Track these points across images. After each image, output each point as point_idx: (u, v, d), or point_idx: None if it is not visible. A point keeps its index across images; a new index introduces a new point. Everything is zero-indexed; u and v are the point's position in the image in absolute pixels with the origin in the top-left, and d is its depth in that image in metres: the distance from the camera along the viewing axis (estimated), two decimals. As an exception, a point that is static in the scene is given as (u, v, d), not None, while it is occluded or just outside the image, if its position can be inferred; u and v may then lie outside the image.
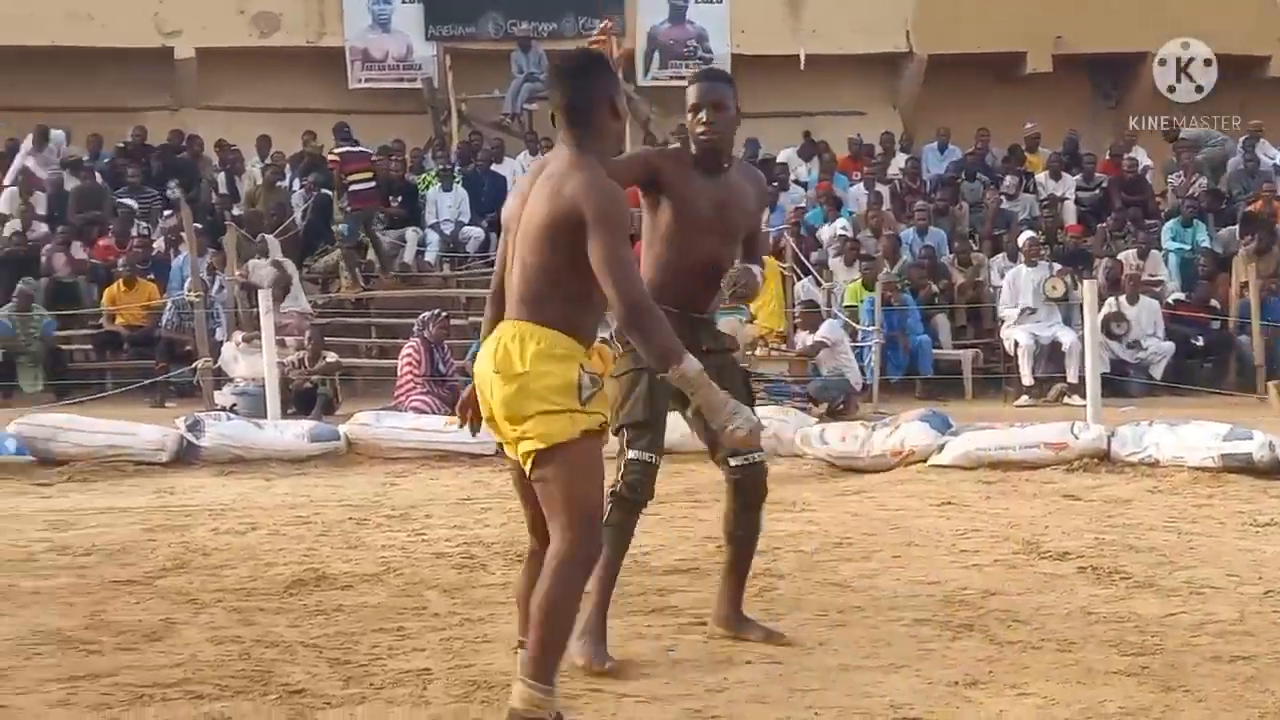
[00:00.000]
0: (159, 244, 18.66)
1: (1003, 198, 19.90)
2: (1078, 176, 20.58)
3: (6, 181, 20.25)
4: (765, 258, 14.49)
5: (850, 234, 18.25)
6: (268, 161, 20.75)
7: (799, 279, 17.04)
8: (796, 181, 20.89)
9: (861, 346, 15.64)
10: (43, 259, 18.14)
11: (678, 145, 5.87)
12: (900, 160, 21.34)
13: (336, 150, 19.22)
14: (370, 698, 5.11)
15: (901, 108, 24.10)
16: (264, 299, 13.33)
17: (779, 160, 21.07)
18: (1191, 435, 10.36)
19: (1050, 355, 16.15)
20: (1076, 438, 10.63)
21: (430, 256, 19.57)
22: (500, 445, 4.64)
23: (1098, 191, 20.44)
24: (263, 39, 22.82)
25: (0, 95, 22.40)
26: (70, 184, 19.82)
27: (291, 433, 11.82)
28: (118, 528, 8.74)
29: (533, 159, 18.32)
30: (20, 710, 5.01)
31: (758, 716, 4.91)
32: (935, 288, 17.30)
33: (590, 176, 4.42)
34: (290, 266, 17.34)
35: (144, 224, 19.16)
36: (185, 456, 11.45)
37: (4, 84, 22.24)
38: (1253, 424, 10.67)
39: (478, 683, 5.23)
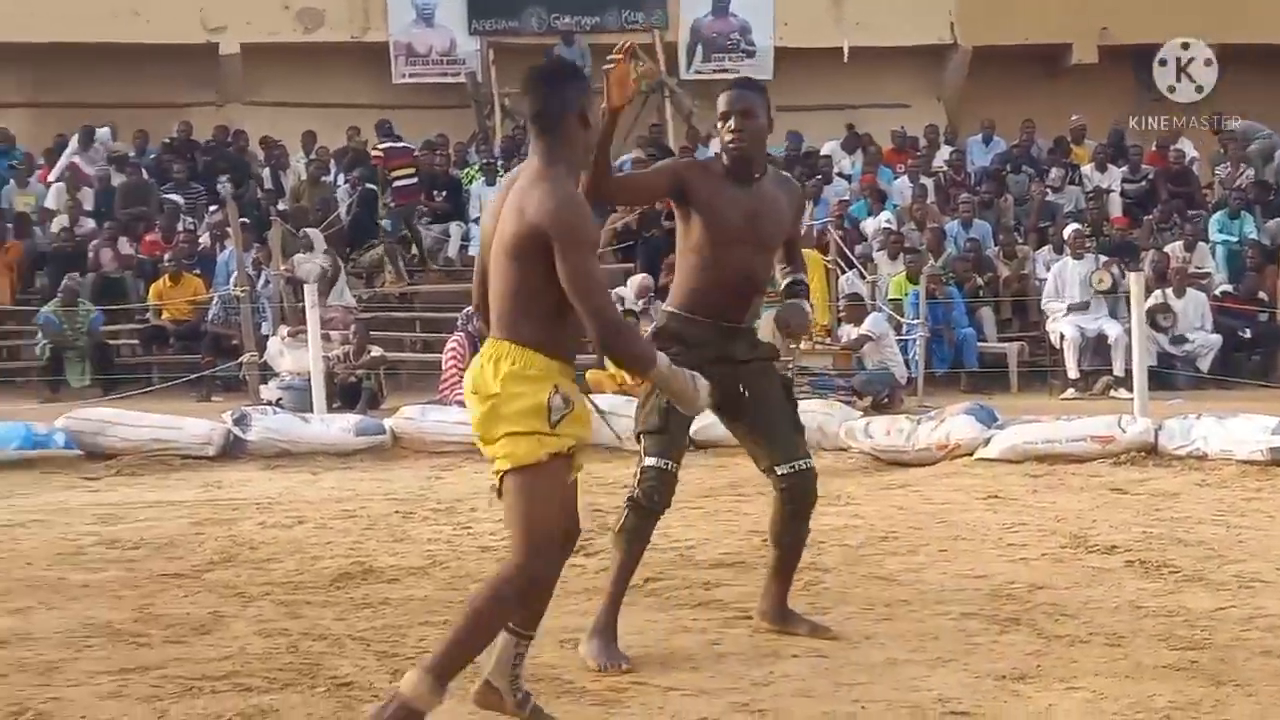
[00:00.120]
0: (205, 239, 18.75)
1: (1048, 190, 19.81)
2: (1124, 168, 20.47)
3: (53, 178, 20.41)
4: (808, 251, 14.56)
5: (894, 227, 18.22)
6: (312, 157, 20.83)
7: (843, 272, 16.98)
8: (840, 174, 20.85)
9: (906, 340, 15.58)
10: (90, 254, 18.25)
11: (711, 156, 5.84)
12: (945, 153, 21.28)
13: (380, 146, 19.30)
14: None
15: (946, 100, 24.01)
16: (309, 293, 13.38)
17: (823, 153, 21.05)
18: (1240, 428, 10.29)
19: (1096, 348, 16.06)
20: (1123, 431, 10.57)
21: (474, 250, 19.57)
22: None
23: (1144, 183, 20.31)
24: (307, 34, 22.92)
25: (47, 92, 22.64)
26: (117, 180, 19.96)
27: (337, 427, 11.86)
28: (166, 521, 8.79)
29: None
30: (72, 702, 5.05)
31: (804, 710, 4.90)
32: (980, 280, 17.22)
33: (551, 191, 4.35)
34: (336, 261, 17.42)
35: (190, 219, 19.26)
36: (232, 450, 11.50)
37: (51, 80, 22.43)
38: (1302, 417, 10.59)
39: (525, 676, 5.22)
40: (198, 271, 17.72)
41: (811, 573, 6.87)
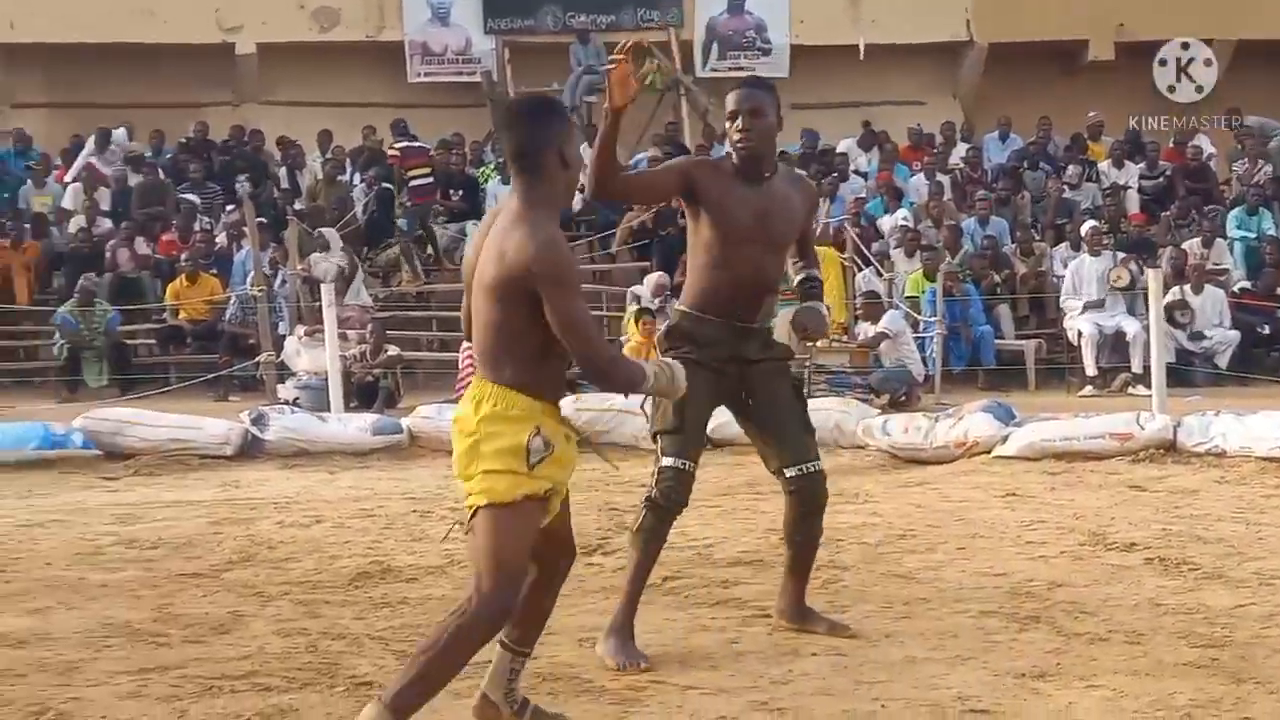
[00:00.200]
0: (221, 239, 18.79)
1: (1065, 187, 19.77)
2: (1141, 165, 20.42)
3: (70, 178, 20.46)
4: (824, 249, 14.55)
5: (911, 224, 18.19)
6: (328, 156, 20.85)
7: (860, 270, 16.98)
8: (857, 172, 20.83)
9: (923, 337, 15.56)
10: (107, 254, 18.29)
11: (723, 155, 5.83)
12: (961, 150, 21.23)
13: (396, 145, 19.31)
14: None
15: (962, 97, 23.97)
16: (326, 293, 13.40)
17: (839, 151, 21.02)
18: (1259, 425, 10.26)
19: (1114, 345, 16.02)
20: (1142, 428, 10.55)
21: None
22: None
23: (1161, 180, 20.26)
24: (323, 34, 22.94)
25: (64, 92, 22.69)
26: (133, 180, 20.01)
27: (354, 426, 11.87)
28: (184, 521, 8.80)
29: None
30: (92, 702, 5.06)
31: (823, 709, 4.89)
32: (997, 278, 17.19)
33: (531, 234, 4.24)
34: (353, 260, 17.44)
35: (206, 219, 19.30)
36: (249, 450, 11.52)
37: (67, 81, 22.49)
38: (1321, 413, 10.56)
39: (543, 675, 5.23)
40: (214, 271, 17.75)
41: (830, 571, 6.87)
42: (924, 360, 15.14)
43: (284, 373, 15.30)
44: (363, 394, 14.56)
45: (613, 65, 5.17)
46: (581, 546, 7.59)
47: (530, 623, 4.64)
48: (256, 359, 15.51)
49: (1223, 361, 16.10)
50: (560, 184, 4.43)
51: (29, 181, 20.42)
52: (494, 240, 4.34)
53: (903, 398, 14.24)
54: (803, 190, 5.93)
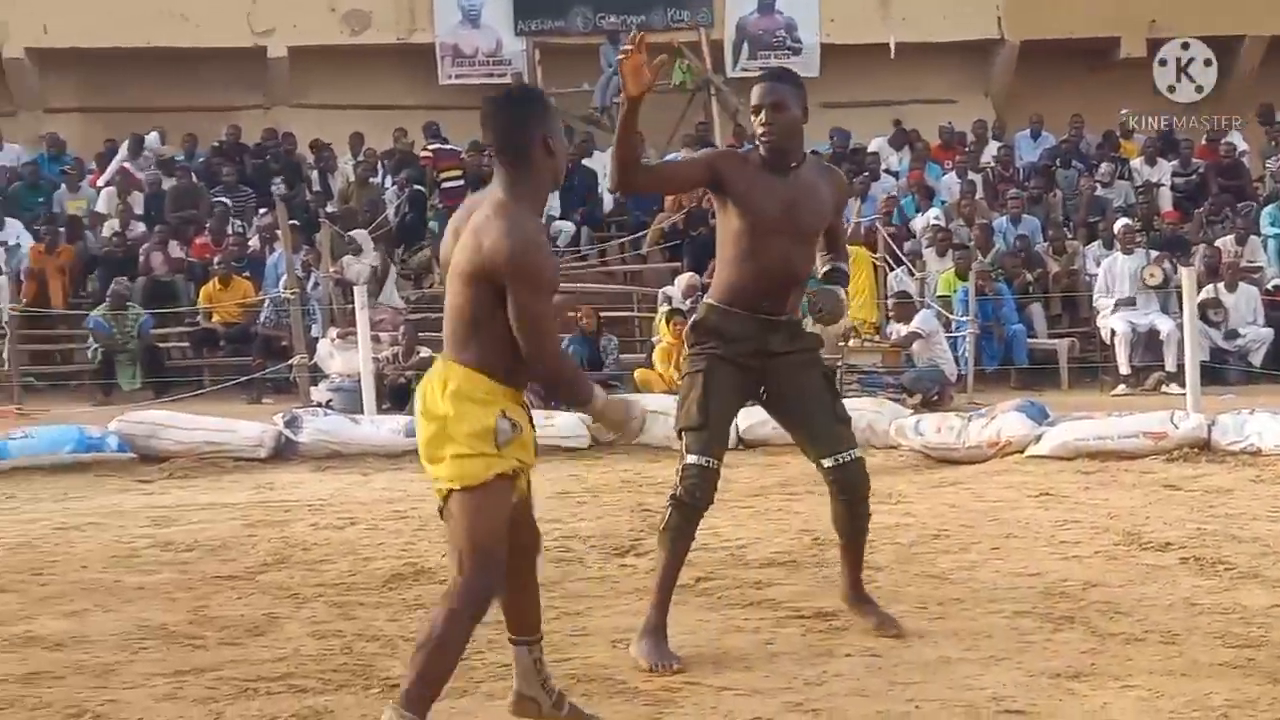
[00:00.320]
0: (254, 242, 18.84)
1: (1097, 185, 19.69)
2: (1174, 162, 20.33)
3: (104, 182, 20.56)
4: (856, 248, 14.53)
5: (943, 223, 18.15)
6: (360, 158, 20.91)
7: (891, 269, 16.95)
8: (888, 171, 20.80)
9: (955, 337, 15.52)
10: (140, 258, 18.38)
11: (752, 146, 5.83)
12: (993, 148, 21.17)
13: (429, 147, 19.34)
14: (470, 691, 5.14)
15: (993, 95, 23.90)
16: (359, 295, 13.43)
17: (870, 150, 20.99)
18: (1294, 424, 10.22)
19: (1147, 344, 15.96)
20: (1176, 427, 10.50)
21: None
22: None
23: (1194, 177, 20.16)
24: (354, 37, 23.01)
25: (97, 96, 22.82)
26: (167, 183, 20.10)
27: (387, 428, 11.89)
28: (218, 523, 8.84)
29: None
30: (128, 704, 5.09)
31: (858, 710, 4.89)
32: (1029, 276, 17.15)
33: (509, 229, 4.26)
34: (385, 262, 17.49)
35: (239, 222, 19.37)
36: (283, 452, 11.56)
37: (100, 85, 22.63)
38: (1357, 411, 10.51)
39: (576, 676, 5.25)
40: (247, 274, 17.80)
41: (864, 571, 6.84)
42: (956, 360, 15.09)
43: (317, 375, 15.33)
44: (395, 396, 14.56)
45: (624, 56, 5.19)
46: (614, 548, 7.69)
47: (524, 609, 4.68)
48: (289, 361, 15.55)
49: (1257, 359, 16.02)
50: (547, 173, 4.48)
51: (63, 186, 20.51)
52: (473, 227, 4.37)
53: (935, 397, 14.21)
54: (831, 181, 5.90)
